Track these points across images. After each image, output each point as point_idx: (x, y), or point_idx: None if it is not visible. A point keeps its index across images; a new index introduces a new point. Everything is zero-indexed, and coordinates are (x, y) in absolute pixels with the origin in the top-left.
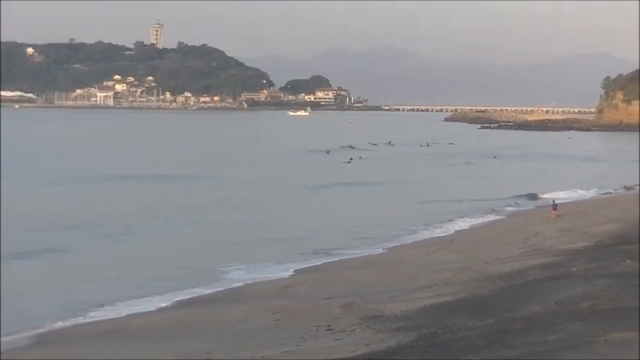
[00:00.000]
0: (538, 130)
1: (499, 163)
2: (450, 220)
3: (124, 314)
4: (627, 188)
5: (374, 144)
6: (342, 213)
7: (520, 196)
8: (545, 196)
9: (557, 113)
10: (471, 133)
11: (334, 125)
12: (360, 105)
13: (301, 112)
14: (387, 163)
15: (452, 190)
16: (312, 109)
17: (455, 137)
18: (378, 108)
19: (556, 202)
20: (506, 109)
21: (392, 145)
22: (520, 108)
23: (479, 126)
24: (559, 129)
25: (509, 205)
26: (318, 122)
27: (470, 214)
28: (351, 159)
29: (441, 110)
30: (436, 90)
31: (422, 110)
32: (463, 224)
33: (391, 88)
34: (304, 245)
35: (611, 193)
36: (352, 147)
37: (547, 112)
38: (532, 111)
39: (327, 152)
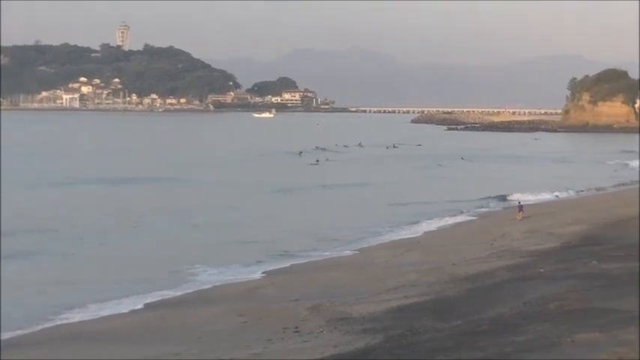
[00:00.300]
0: (505, 131)
1: (467, 164)
2: (418, 222)
3: (94, 317)
4: (598, 190)
5: (345, 146)
6: (310, 215)
7: (488, 198)
8: (513, 197)
9: (524, 114)
10: (438, 134)
11: (301, 127)
12: (326, 107)
13: (266, 114)
14: (357, 164)
15: (420, 192)
16: (277, 111)
17: (422, 139)
18: (344, 110)
19: (522, 203)
20: (473, 111)
21: (362, 146)
22: (487, 109)
23: (445, 127)
24: (526, 130)
25: (478, 207)
26: (283, 124)
27: (438, 216)
28: (317, 161)
29: (408, 112)
30: (403, 91)
31: (389, 112)
32: (431, 226)
33: (358, 89)
34: (272, 247)
35: (583, 191)
36: (323, 149)
37: (514, 113)
38: (499, 112)
39: (300, 154)
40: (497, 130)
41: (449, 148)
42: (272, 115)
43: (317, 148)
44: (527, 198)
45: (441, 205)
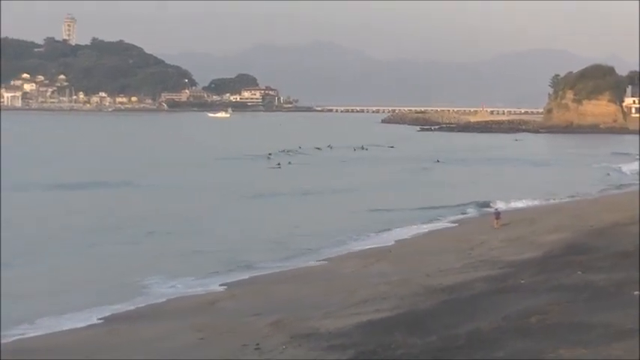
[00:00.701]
0: (482, 132)
1: (443, 168)
2: (390, 229)
3: (42, 332)
4: (583, 194)
5: (317, 148)
6: (274, 222)
7: (465, 204)
8: (492, 203)
9: (503, 114)
10: (411, 135)
11: (261, 127)
12: (290, 105)
13: (222, 114)
14: (324, 168)
15: (392, 198)
16: (236, 111)
17: (394, 140)
18: (309, 109)
19: (499, 209)
20: (448, 110)
21: (331, 148)
22: (463, 109)
23: (418, 128)
24: (505, 131)
25: (454, 214)
26: (241, 124)
27: (411, 223)
28: (279, 164)
29: (378, 111)
30: (373, 89)
31: (357, 111)
32: (404, 233)
33: (324, 87)
34: (232, 257)
35: (566, 197)
36: (290, 151)
37: (492, 112)
38: (476, 112)
39: (269, 156)
40: (474, 131)
41: (423, 150)
42: (228, 115)
43: (285, 150)
44: (506, 204)
45: (414, 211)
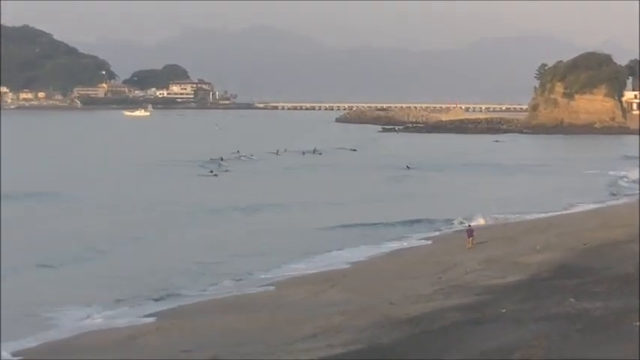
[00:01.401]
0: (456, 132)
1: (412, 175)
2: (345, 249)
3: None
4: (574, 207)
5: (276, 153)
6: (209, 242)
7: (436, 219)
8: (466, 218)
9: (481, 111)
10: (372, 137)
11: (191, 128)
12: (227, 102)
13: (140, 112)
14: (270, 177)
15: (348, 212)
16: (159, 108)
17: (353, 142)
18: (250, 106)
19: (472, 226)
20: (415, 107)
21: (278, 154)
22: (433, 105)
23: (380, 128)
24: (483, 131)
25: (422, 230)
26: (164, 125)
27: (369, 242)
28: (212, 171)
29: (332, 108)
30: (326, 83)
31: (307, 109)
32: (362, 254)
33: (267, 80)
34: (159, 283)
35: (555, 210)
36: (222, 159)
37: (467, 110)
38: (448, 109)
39: (221, 160)
40: (446, 132)
41: (388, 154)
42: (148, 114)
43: (219, 159)
44: (484, 219)
45: (376, 227)
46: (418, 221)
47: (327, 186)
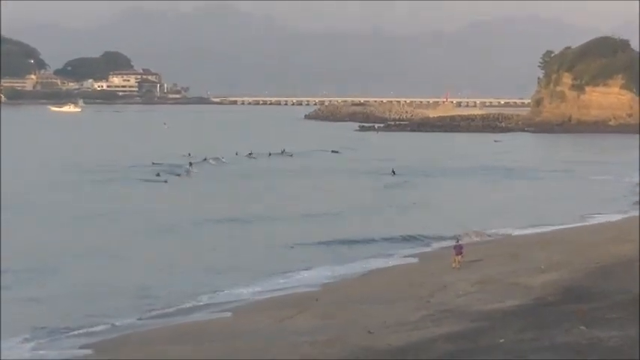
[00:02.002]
0: (446, 130)
1: (398, 182)
2: (312, 269)
3: None
4: (582, 218)
5: (251, 155)
6: (159, 259)
7: (424, 235)
8: (459, 232)
9: (475, 106)
10: (347, 137)
11: (131, 127)
12: (177, 96)
13: (69, 108)
14: (229, 183)
15: (320, 226)
16: (95, 103)
17: (326, 143)
18: (205, 100)
19: (461, 241)
20: (398, 102)
21: (253, 157)
22: (419, 99)
23: (357, 126)
24: (478, 129)
25: (407, 246)
26: (98, 123)
27: (344, 260)
28: (159, 174)
29: (300, 103)
30: (293, 73)
31: (271, 103)
32: (336, 273)
33: (224, 71)
34: (98, 307)
35: (561, 222)
36: (191, 164)
37: (459, 105)
38: (437, 104)
39: (190, 166)
40: (434, 130)
41: (369, 157)
42: (79, 109)
43: (206, 159)
44: (479, 233)
45: (353, 244)
46: (403, 237)
47: (298, 194)
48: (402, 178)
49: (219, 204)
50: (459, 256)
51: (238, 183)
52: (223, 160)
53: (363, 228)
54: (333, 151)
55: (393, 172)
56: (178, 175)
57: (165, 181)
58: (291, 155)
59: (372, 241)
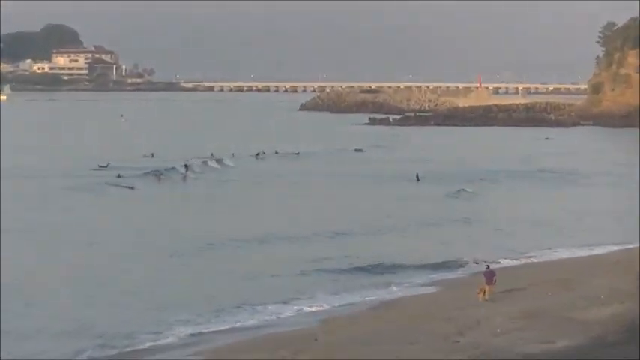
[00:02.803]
0: (479, 124)
1: (424, 189)
2: (312, 297)
3: None
4: None
5: (259, 155)
6: (122, 286)
7: (452, 259)
8: (495, 255)
9: (516, 93)
10: (354, 132)
11: (76, 119)
12: (139, 80)
13: None
14: (237, 191)
15: (322, 247)
16: (47, 88)
17: (339, 140)
18: (173, 86)
19: (490, 265)
20: (418, 88)
21: (260, 157)
22: (445, 85)
23: (367, 119)
24: (521, 122)
25: (423, 272)
26: (31, 114)
27: (349, 288)
28: (119, 175)
29: (295, 89)
30: (281, 54)
31: (258, 90)
32: (337, 306)
33: (197, 50)
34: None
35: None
36: (187, 166)
37: (496, 91)
38: (468, 90)
39: (185, 168)
40: (465, 124)
41: (387, 157)
42: (4, 98)
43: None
44: (518, 252)
45: (361, 270)
46: (425, 262)
47: (319, 206)
48: (426, 184)
49: (221, 217)
50: (491, 285)
51: (246, 190)
52: (226, 162)
53: (373, 249)
54: (357, 150)
55: (417, 177)
56: (159, 175)
57: (131, 188)
58: (297, 154)
59: (383, 265)
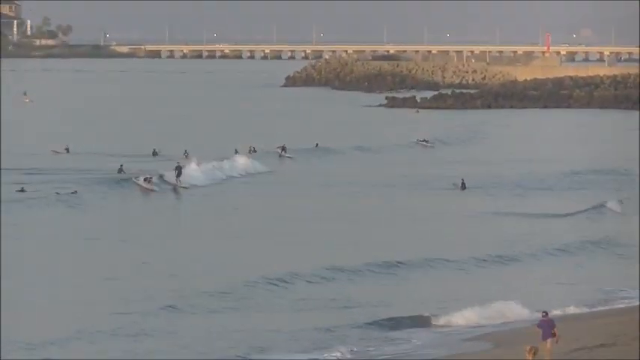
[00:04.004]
0: (547, 105)
1: (471, 203)
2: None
3: None
4: None
5: (283, 152)
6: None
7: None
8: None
9: (600, 60)
10: (365, 120)
11: None
12: (52, 43)
13: None
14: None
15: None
16: None
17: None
18: (99, 50)
19: (546, 312)
20: (459, 52)
21: (284, 155)
22: (497, 48)
23: (384, 99)
24: (607, 103)
25: (473, 326)
26: None
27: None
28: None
29: (279, 55)
30: (264, 4)
31: (224, 55)
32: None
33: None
34: None
35: None
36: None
37: (570, 57)
38: (530, 56)
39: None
40: (524, 105)
41: (414, 158)
42: None
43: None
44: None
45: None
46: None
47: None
48: (474, 194)
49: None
50: (549, 340)
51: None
52: (285, 154)
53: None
54: (420, 142)
55: (463, 184)
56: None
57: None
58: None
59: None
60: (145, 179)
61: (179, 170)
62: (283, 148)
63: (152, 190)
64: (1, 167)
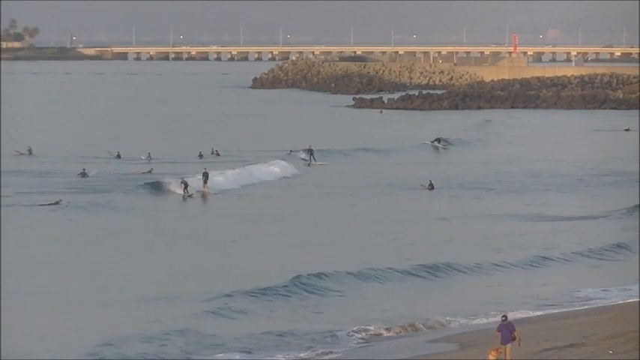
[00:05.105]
0: (514, 106)
1: (444, 205)
2: None
3: None
4: None
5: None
6: None
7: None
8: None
9: (567, 61)
10: (330, 121)
11: None
12: (17, 45)
13: None
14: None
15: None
16: None
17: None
18: (66, 53)
19: (508, 317)
20: (425, 53)
21: (310, 161)
22: (464, 49)
23: (351, 100)
24: (574, 104)
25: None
26: None
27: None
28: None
29: (245, 57)
30: (230, 6)
31: (191, 57)
32: None
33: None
34: None
35: None
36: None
37: (537, 57)
38: (497, 56)
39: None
40: (493, 105)
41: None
42: None
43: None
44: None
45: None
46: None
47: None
48: (438, 192)
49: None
50: (509, 345)
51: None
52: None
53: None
54: (434, 142)
55: (430, 184)
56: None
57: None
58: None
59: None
60: (182, 185)
61: (206, 176)
62: (311, 152)
63: (190, 196)
64: None
